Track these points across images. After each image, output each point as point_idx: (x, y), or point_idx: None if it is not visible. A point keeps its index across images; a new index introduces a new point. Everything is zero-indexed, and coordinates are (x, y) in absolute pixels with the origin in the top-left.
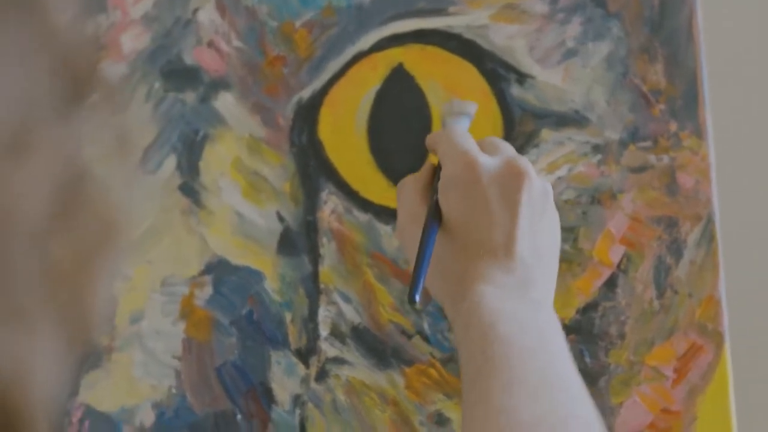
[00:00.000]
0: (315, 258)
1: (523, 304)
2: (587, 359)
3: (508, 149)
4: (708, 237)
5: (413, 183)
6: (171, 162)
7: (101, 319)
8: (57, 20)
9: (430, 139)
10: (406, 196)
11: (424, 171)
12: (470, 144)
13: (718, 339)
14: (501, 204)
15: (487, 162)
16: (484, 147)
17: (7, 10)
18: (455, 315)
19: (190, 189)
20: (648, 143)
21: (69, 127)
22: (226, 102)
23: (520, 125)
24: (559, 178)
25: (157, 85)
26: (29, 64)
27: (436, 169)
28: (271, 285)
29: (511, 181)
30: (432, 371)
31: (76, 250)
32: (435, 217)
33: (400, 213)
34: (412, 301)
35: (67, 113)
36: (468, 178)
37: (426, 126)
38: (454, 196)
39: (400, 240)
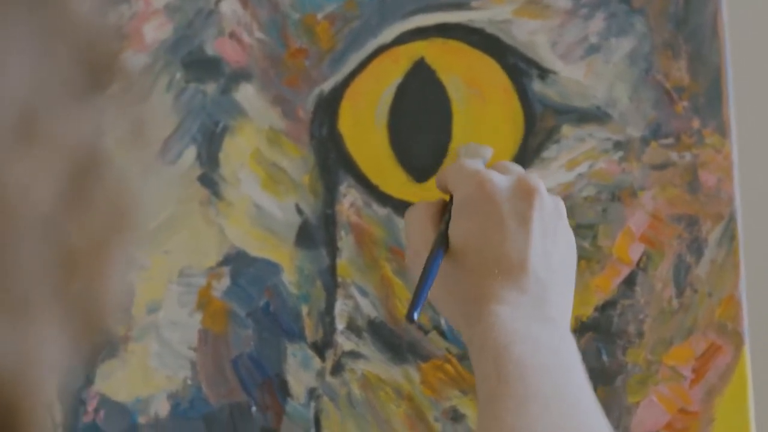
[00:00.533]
0: (333, 251)
1: (538, 323)
2: (605, 357)
3: (519, 168)
4: (729, 236)
5: (424, 209)
6: (191, 153)
7: (114, 308)
8: (77, 7)
9: (439, 177)
10: (416, 222)
11: (436, 200)
12: (481, 167)
13: (737, 339)
14: (514, 222)
15: (499, 180)
16: (495, 170)
17: None
18: (470, 336)
19: (210, 180)
20: (670, 140)
21: (85, 115)
22: (246, 93)
23: (541, 121)
24: (580, 174)
25: (178, 75)
26: (45, 50)
27: (448, 201)
28: (288, 277)
29: (523, 199)
30: (448, 367)
31: (90, 238)
32: (442, 243)
33: (410, 239)
34: (410, 320)
35: (83, 101)
36: (481, 197)
37: (446, 121)
38: (467, 217)
39: (410, 266)
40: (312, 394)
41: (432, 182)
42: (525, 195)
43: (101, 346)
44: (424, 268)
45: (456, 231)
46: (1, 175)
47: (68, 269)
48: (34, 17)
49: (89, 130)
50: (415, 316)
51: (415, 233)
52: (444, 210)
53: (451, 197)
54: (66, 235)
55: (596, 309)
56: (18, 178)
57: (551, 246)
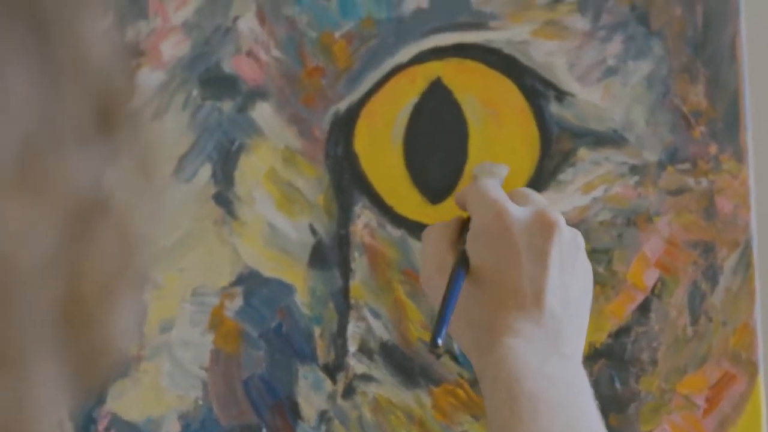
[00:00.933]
0: (346, 272)
1: (552, 358)
2: (618, 385)
3: (539, 199)
4: (745, 264)
5: (441, 232)
6: (206, 171)
7: (118, 350)
8: (91, 42)
9: (458, 194)
10: (432, 245)
11: (453, 222)
12: (500, 194)
13: (751, 369)
14: (531, 255)
15: (518, 212)
16: (514, 198)
17: (38, 26)
18: (482, 367)
19: (224, 199)
20: (687, 165)
21: (92, 157)
22: (263, 112)
23: (557, 143)
24: (595, 198)
25: (195, 93)
26: (55, 84)
27: (465, 222)
28: (301, 298)
29: (542, 232)
30: (460, 392)
31: (93, 282)
32: (463, 265)
33: (425, 261)
34: (434, 345)
35: (91, 143)
36: (498, 228)
37: (463, 141)
38: (484, 246)
39: (425, 289)
40: (323, 416)
41: (446, 204)
42: (544, 229)
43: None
44: (446, 291)
45: (472, 258)
46: None
47: (70, 316)
48: (44, 47)
49: (95, 171)
50: (440, 341)
51: (431, 255)
52: (462, 230)
53: (469, 218)
54: (67, 282)
55: (610, 335)
56: (16, 225)
57: (568, 281)
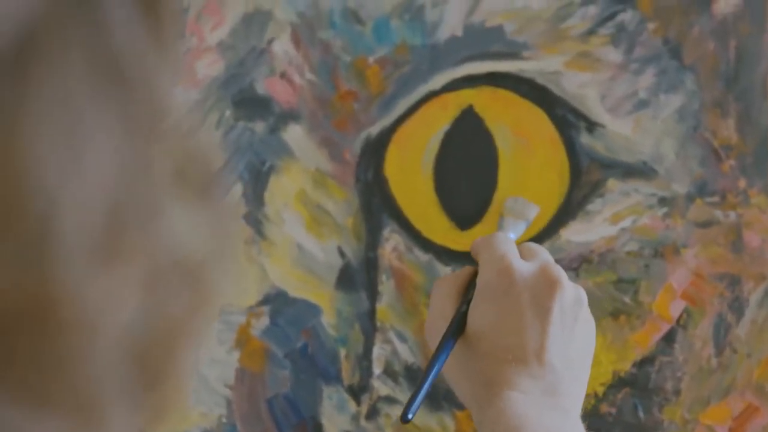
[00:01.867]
0: (373, 295)
1: (551, 411)
2: (641, 414)
3: (545, 255)
4: None
5: (451, 283)
6: (237, 190)
7: (183, 399)
8: (169, 102)
9: (474, 245)
10: (440, 295)
11: (463, 272)
12: (509, 250)
13: None
14: (533, 311)
15: (522, 268)
16: (523, 252)
17: (121, 88)
18: (481, 419)
19: (254, 219)
20: (715, 199)
21: (169, 219)
22: (294, 134)
23: (586, 174)
24: (623, 229)
25: (228, 113)
26: (133, 145)
27: (475, 273)
28: (327, 319)
29: (544, 289)
30: None
31: (164, 337)
32: (454, 333)
33: (431, 310)
34: (404, 420)
35: (168, 204)
36: (502, 284)
37: (493, 169)
38: (488, 300)
39: (427, 336)
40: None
41: (475, 230)
42: (547, 286)
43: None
44: (430, 361)
45: (475, 313)
46: (79, 293)
47: (142, 370)
48: (127, 111)
49: (176, 233)
50: (410, 416)
51: (436, 306)
52: (470, 282)
53: (476, 273)
54: (141, 338)
55: (634, 364)
56: (100, 293)
57: (569, 337)
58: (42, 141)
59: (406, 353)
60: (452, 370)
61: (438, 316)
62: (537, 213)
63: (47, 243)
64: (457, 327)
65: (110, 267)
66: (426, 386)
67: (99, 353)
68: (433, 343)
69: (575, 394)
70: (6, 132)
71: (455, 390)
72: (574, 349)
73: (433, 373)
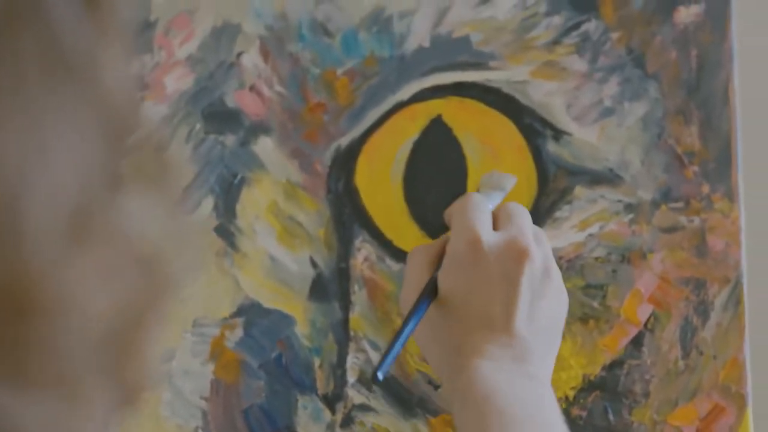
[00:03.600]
0: (346, 305)
1: (520, 378)
2: (611, 416)
3: (519, 222)
4: (735, 300)
5: (423, 253)
6: (208, 203)
7: (150, 380)
8: (111, 84)
9: (447, 211)
10: (414, 266)
11: (437, 242)
12: (479, 218)
13: (740, 401)
14: (501, 282)
15: (490, 240)
16: (498, 216)
17: (71, 72)
18: (453, 388)
19: (226, 231)
20: (680, 204)
21: (127, 204)
22: (265, 146)
23: (554, 181)
24: (591, 235)
25: (198, 126)
26: (84, 133)
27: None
28: (301, 330)
29: (512, 261)
30: None
31: (128, 314)
32: (429, 295)
33: (406, 281)
34: (375, 380)
35: (121, 186)
36: (470, 256)
37: (462, 178)
38: (456, 271)
39: (402, 306)
40: None
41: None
42: (515, 257)
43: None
44: (402, 325)
45: (445, 281)
46: (50, 277)
47: (114, 347)
48: (77, 94)
49: (135, 216)
50: (380, 376)
51: (412, 275)
52: (443, 255)
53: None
54: (109, 320)
55: (604, 368)
56: (68, 279)
57: (537, 309)
58: (3, 130)
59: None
60: (424, 336)
61: (412, 285)
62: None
63: (17, 230)
64: (431, 291)
65: (75, 253)
66: (398, 346)
67: (72, 333)
68: (408, 311)
69: (544, 362)
70: None
71: (426, 356)
72: (543, 318)
73: (405, 333)
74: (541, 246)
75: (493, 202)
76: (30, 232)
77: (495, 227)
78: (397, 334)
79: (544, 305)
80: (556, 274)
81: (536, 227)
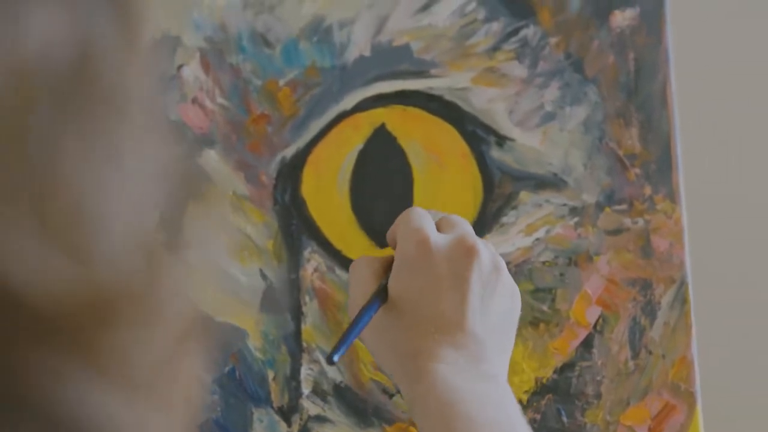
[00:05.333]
0: (298, 316)
1: (478, 379)
2: (564, 418)
3: (463, 227)
4: (681, 299)
5: (368, 263)
6: (154, 218)
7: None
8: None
9: (391, 229)
10: (359, 275)
11: (381, 257)
12: (425, 223)
13: (690, 399)
14: (451, 282)
15: (438, 240)
16: (441, 225)
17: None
18: (412, 395)
19: (174, 246)
20: (624, 206)
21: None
22: (209, 159)
23: (499, 187)
24: (538, 239)
25: None
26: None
27: (394, 255)
28: (253, 343)
29: (461, 259)
30: (412, 430)
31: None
32: (382, 294)
33: (352, 291)
34: (330, 361)
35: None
36: (419, 256)
37: (408, 186)
38: (406, 274)
39: (351, 317)
40: None
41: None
42: (463, 255)
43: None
44: (357, 314)
45: (395, 286)
46: (130, 287)
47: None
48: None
49: None
50: (335, 358)
51: (357, 286)
52: (389, 267)
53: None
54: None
55: (555, 371)
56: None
57: (488, 305)
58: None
59: (334, 372)
60: (377, 343)
61: (360, 294)
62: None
63: (101, 245)
64: (384, 290)
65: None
66: (354, 334)
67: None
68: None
69: (500, 360)
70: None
71: (381, 364)
72: (495, 314)
73: (360, 324)
74: (488, 246)
75: (434, 216)
76: (114, 247)
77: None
78: (352, 323)
79: (495, 301)
80: (506, 271)
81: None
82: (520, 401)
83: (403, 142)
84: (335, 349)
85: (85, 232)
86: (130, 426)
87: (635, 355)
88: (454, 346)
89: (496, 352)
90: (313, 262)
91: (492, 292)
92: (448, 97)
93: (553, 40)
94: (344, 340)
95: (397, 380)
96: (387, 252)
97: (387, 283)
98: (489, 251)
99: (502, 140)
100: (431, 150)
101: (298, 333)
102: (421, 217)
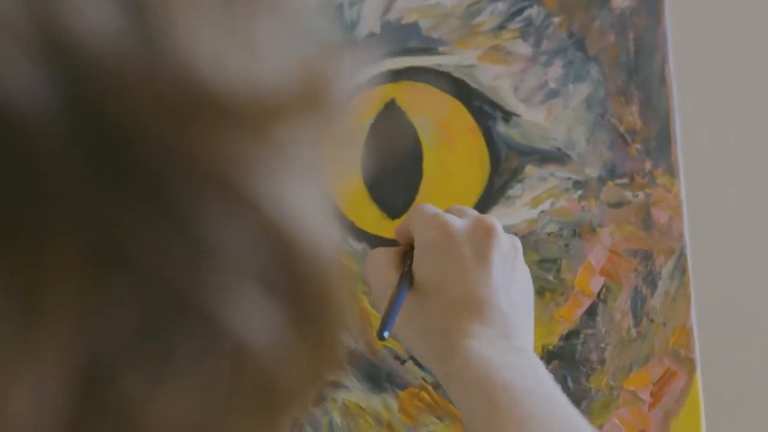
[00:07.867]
0: None
1: (510, 351)
2: (570, 384)
3: (474, 212)
4: (680, 269)
5: (384, 254)
6: None
7: None
8: None
9: (400, 226)
10: (378, 267)
11: (394, 248)
12: (439, 210)
13: (690, 365)
14: (475, 261)
15: (458, 222)
16: (451, 213)
17: None
18: (447, 373)
19: None
20: (625, 180)
21: None
22: None
23: (506, 161)
24: (543, 211)
25: None
26: None
27: (409, 248)
28: None
29: (482, 239)
30: (424, 394)
31: None
32: (408, 278)
33: (374, 282)
34: (381, 337)
35: None
36: (442, 239)
37: (417, 160)
38: (431, 258)
39: (378, 306)
40: (294, 423)
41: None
42: (484, 235)
43: None
44: (393, 293)
45: (420, 272)
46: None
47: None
48: None
49: None
50: (386, 335)
51: (378, 277)
52: (404, 255)
53: (412, 246)
54: None
55: (561, 338)
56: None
57: (510, 282)
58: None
59: (348, 339)
60: (406, 329)
61: (382, 284)
62: None
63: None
64: (409, 275)
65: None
66: (395, 310)
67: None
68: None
69: (525, 334)
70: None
71: (410, 348)
72: (517, 293)
73: (399, 300)
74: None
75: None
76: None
77: None
78: (391, 299)
79: (516, 278)
80: (521, 250)
81: None
82: None
83: (412, 117)
84: (384, 325)
85: None
86: None
87: (637, 323)
88: (484, 323)
89: (522, 327)
90: None
91: (512, 270)
92: (455, 74)
93: (556, 20)
94: (389, 314)
95: (428, 361)
96: (398, 238)
97: (410, 269)
98: (506, 232)
99: (508, 116)
100: (440, 125)
101: None
102: (433, 207)
